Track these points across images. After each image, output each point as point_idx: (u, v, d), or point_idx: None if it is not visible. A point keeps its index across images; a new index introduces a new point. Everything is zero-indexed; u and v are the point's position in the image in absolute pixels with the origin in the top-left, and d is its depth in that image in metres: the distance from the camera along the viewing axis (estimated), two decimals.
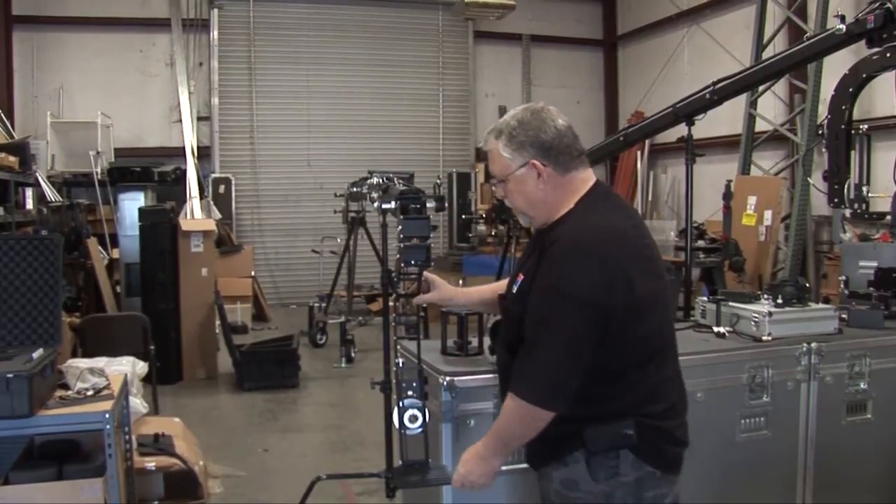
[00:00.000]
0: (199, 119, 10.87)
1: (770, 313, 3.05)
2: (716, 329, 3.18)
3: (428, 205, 2.30)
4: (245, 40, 11.10)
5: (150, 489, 3.52)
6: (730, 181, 7.12)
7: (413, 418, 2.22)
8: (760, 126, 9.22)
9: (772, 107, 9.26)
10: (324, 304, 8.50)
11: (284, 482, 4.54)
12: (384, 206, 2.34)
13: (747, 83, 4.69)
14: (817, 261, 8.61)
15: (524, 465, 2.16)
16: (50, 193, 8.60)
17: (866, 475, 3.16)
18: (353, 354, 7.59)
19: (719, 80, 4.55)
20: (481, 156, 11.02)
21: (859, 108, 4.43)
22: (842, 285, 3.92)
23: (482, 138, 2.26)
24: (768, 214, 8.24)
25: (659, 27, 11.64)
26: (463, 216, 9.81)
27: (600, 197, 2.03)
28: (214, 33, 10.95)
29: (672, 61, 11.23)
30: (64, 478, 2.81)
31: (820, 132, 6.76)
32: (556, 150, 1.98)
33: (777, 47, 8.52)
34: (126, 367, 3.55)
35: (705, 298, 3.44)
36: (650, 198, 11.75)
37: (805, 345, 3.01)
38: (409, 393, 2.22)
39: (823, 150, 4.58)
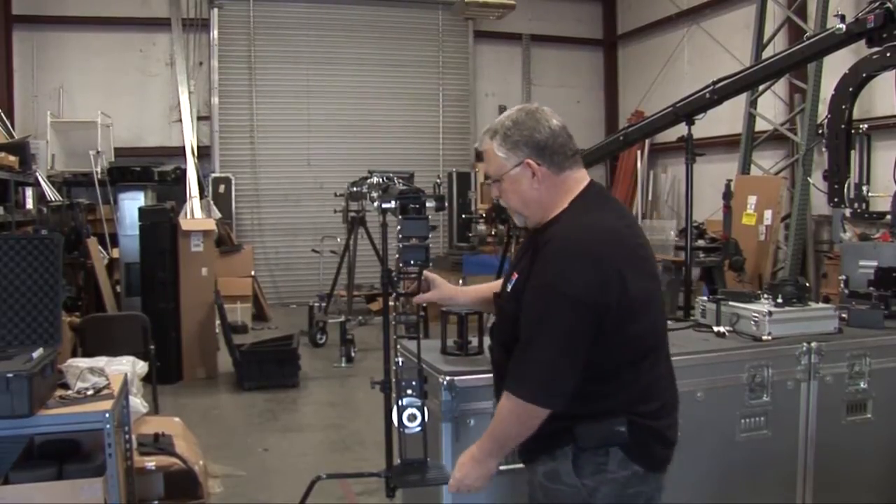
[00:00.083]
0: (199, 119, 10.86)
1: (770, 313, 3.05)
2: (716, 328, 3.18)
3: (428, 204, 2.30)
4: (245, 40, 11.10)
5: (150, 489, 3.53)
6: (730, 181, 7.13)
7: (412, 417, 2.21)
8: (760, 125, 9.21)
9: (772, 106, 9.25)
10: (324, 304, 8.48)
11: (284, 482, 4.54)
12: (384, 205, 2.34)
13: (747, 83, 4.69)
14: (817, 260, 8.60)
15: (523, 465, 2.15)
16: (50, 193, 8.58)
17: (866, 475, 3.16)
18: (353, 354, 7.59)
19: (719, 80, 4.55)
20: (481, 156, 10.98)
21: (859, 108, 4.43)
22: (842, 285, 3.93)
23: (480, 138, 2.26)
24: (768, 214, 8.24)
25: (659, 27, 11.64)
26: (463, 216, 9.82)
27: (594, 197, 2.04)
28: (214, 33, 10.94)
29: (672, 61, 11.22)
30: (64, 477, 2.81)
31: (820, 132, 6.78)
32: (551, 150, 1.99)
33: (777, 47, 8.51)
34: (126, 367, 3.56)
35: (705, 298, 3.44)
36: (650, 197, 11.74)
37: (805, 344, 3.02)
38: (409, 391, 2.22)
39: (823, 149, 4.58)
